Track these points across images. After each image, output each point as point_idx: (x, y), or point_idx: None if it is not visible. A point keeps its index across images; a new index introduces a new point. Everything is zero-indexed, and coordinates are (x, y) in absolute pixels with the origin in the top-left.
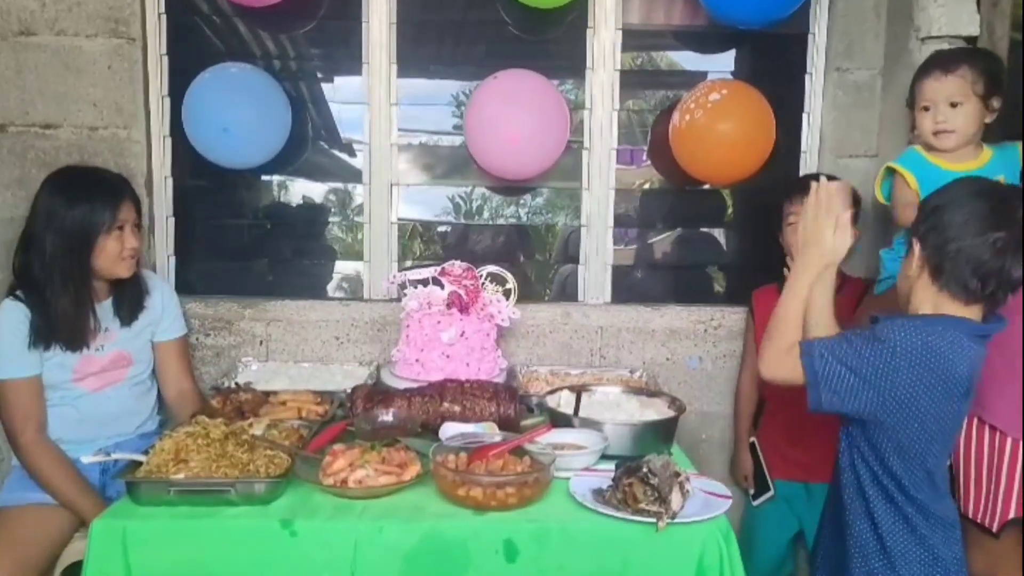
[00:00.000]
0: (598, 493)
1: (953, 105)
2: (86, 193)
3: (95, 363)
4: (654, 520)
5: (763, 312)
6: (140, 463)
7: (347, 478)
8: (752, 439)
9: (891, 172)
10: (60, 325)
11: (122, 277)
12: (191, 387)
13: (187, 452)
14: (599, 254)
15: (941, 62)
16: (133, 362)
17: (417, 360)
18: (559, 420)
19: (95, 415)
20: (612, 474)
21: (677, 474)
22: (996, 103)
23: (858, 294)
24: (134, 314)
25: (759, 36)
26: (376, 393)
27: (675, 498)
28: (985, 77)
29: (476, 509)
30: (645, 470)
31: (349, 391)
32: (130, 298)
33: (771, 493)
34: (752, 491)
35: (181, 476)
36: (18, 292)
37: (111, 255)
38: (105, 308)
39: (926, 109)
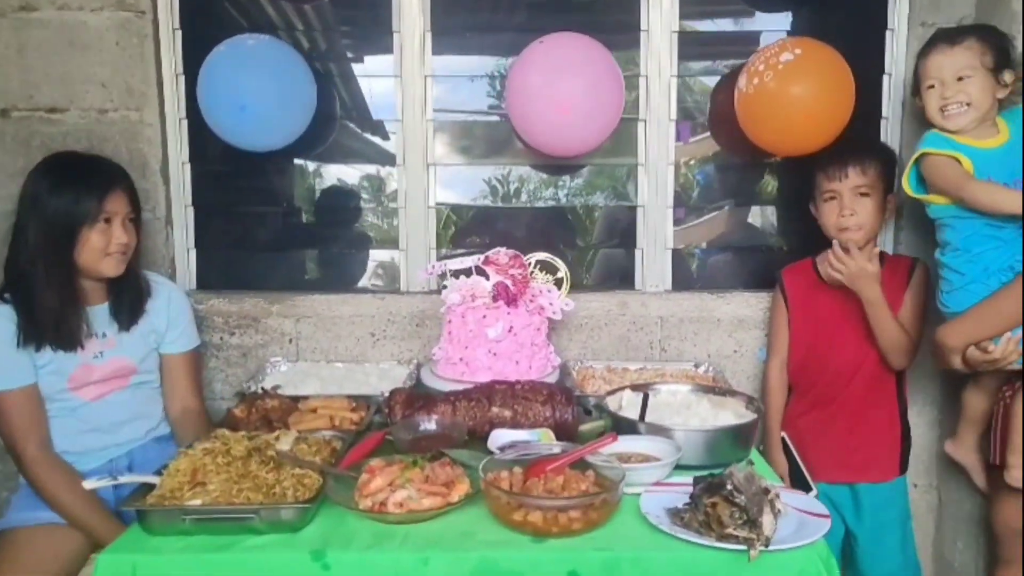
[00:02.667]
0: (675, 514)
1: (961, 79)
2: (72, 180)
3: (94, 371)
4: (744, 548)
5: (796, 291)
6: (152, 486)
7: (386, 500)
8: (782, 434)
9: (917, 163)
10: (46, 321)
11: (107, 276)
12: (197, 407)
13: (205, 473)
14: (657, 237)
15: (946, 36)
16: (137, 371)
17: (461, 359)
18: (622, 426)
19: (100, 424)
20: (688, 489)
21: (766, 490)
22: (1008, 77)
23: (906, 273)
24: (133, 317)
25: None
26: (416, 398)
27: (766, 520)
28: (994, 50)
29: (535, 536)
30: (729, 487)
31: (387, 395)
32: (128, 299)
33: (814, 492)
34: None
35: (198, 502)
36: (5, 294)
37: (95, 249)
38: (101, 312)
39: (931, 88)
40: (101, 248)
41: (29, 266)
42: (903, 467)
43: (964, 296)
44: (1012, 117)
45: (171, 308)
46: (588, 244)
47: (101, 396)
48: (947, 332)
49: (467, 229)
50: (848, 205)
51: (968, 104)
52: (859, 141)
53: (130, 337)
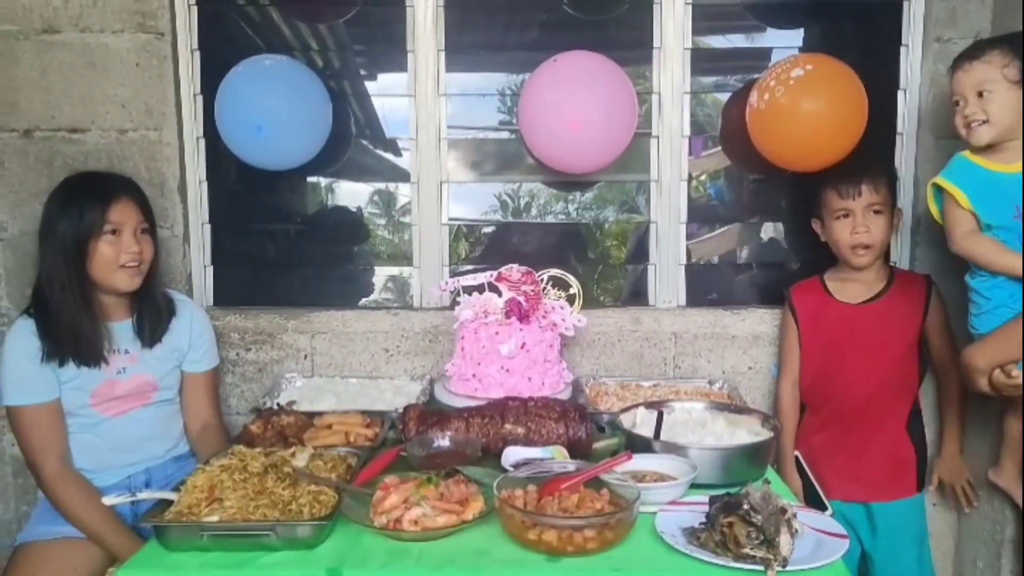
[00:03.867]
0: (691, 534)
1: (981, 95)
2: (76, 196)
3: (117, 387)
4: (762, 568)
5: (805, 309)
6: (170, 503)
7: (401, 517)
8: (795, 453)
9: (940, 188)
10: (67, 337)
11: (122, 289)
12: (216, 423)
13: (222, 489)
14: (671, 253)
15: (968, 51)
16: (158, 387)
17: (474, 375)
18: (637, 444)
19: (120, 441)
20: (703, 507)
21: (783, 510)
22: None
23: (921, 292)
24: (156, 334)
25: (846, 6)
26: (430, 414)
27: (784, 540)
28: (1021, 60)
29: (550, 555)
30: (746, 506)
31: (401, 411)
32: (150, 316)
33: (829, 512)
34: None
35: (216, 518)
36: (31, 310)
37: (106, 262)
38: (124, 329)
39: (957, 104)
40: (112, 260)
41: (48, 284)
42: (920, 484)
43: (992, 319)
44: None
45: (193, 327)
46: (608, 260)
47: (122, 413)
48: (973, 353)
49: (480, 245)
50: (862, 222)
51: (986, 121)
52: (869, 159)
53: (153, 354)
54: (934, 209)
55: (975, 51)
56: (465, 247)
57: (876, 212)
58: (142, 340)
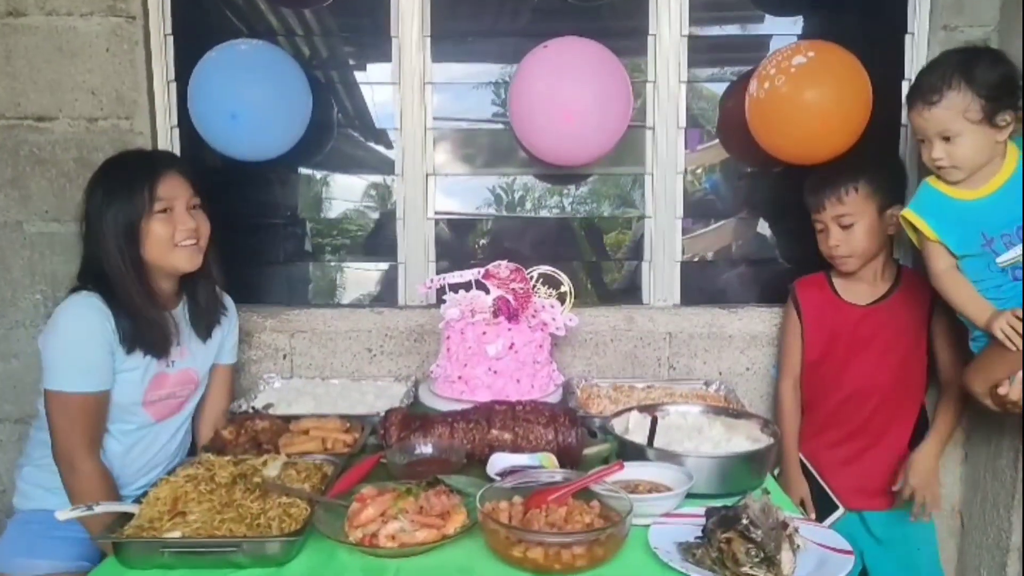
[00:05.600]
0: (686, 549)
1: (947, 138)
2: (120, 178)
3: (167, 382)
4: None
5: (810, 305)
6: (131, 516)
7: (378, 532)
8: (800, 456)
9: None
10: (142, 321)
11: (183, 269)
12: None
13: (186, 502)
14: (666, 249)
15: (923, 91)
16: (198, 384)
17: (460, 377)
18: (629, 451)
19: (141, 457)
20: (699, 520)
21: (784, 524)
22: (1007, 117)
23: (928, 294)
24: (210, 326)
25: None
26: (413, 419)
27: (785, 557)
28: (981, 97)
29: (536, 572)
30: (745, 520)
31: (382, 416)
32: (207, 302)
33: (841, 512)
34: (813, 515)
35: (178, 534)
36: (90, 287)
37: (162, 241)
38: (178, 317)
39: (922, 142)
40: (167, 239)
41: (107, 271)
42: None
43: (984, 336)
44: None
45: (230, 319)
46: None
47: (163, 418)
48: (969, 376)
49: (468, 240)
50: (833, 236)
51: (954, 168)
52: (840, 166)
53: (204, 348)
54: (913, 237)
55: (931, 95)
56: (455, 243)
57: (845, 224)
58: (196, 329)
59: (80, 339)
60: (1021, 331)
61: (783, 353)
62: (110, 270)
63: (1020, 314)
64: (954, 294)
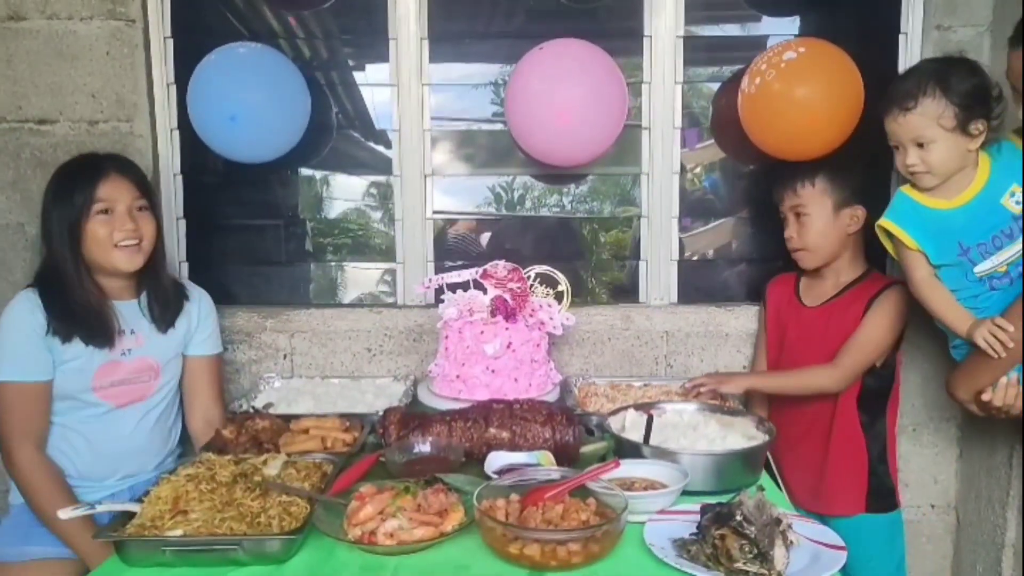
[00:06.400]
0: (681, 546)
1: (921, 145)
2: (65, 180)
3: (120, 369)
4: None
5: (774, 305)
6: (133, 514)
7: (376, 530)
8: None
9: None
10: (78, 311)
11: (123, 269)
12: (220, 416)
13: (188, 501)
14: (662, 248)
15: (898, 98)
16: (159, 374)
17: (458, 376)
18: (625, 449)
19: (109, 447)
20: (694, 516)
21: (778, 520)
22: (980, 126)
23: (868, 298)
24: (169, 316)
25: None
26: (411, 418)
27: (778, 553)
28: (955, 106)
29: (532, 570)
30: (739, 517)
31: (381, 415)
32: (158, 295)
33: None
34: None
35: (179, 532)
36: (33, 285)
37: (100, 241)
38: (131, 308)
39: (896, 148)
40: (105, 239)
41: (52, 269)
42: (874, 504)
43: (968, 347)
44: (995, 152)
45: (201, 309)
46: (599, 256)
47: (123, 404)
48: (952, 384)
49: (466, 240)
50: (790, 227)
51: (927, 173)
52: (805, 163)
53: (163, 338)
54: (888, 247)
55: (905, 100)
56: (453, 242)
57: (799, 214)
58: (155, 322)
59: (9, 331)
60: (1003, 339)
61: (755, 355)
62: (55, 267)
63: (1001, 322)
64: (934, 303)
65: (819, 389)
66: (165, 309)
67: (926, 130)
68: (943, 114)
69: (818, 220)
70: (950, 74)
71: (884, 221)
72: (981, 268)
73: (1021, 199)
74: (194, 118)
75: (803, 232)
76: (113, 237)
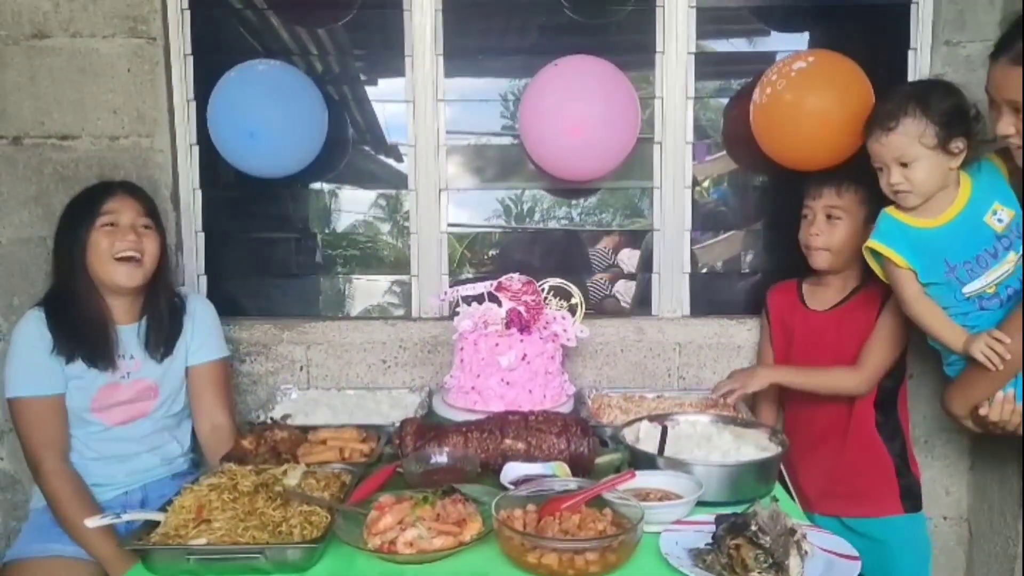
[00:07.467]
0: (697, 555)
1: (904, 164)
2: (76, 202)
3: (118, 392)
4: None
5: (777, 311)
6: (157, 523)
7: (396, 539)
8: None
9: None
10: (81, 332)
11: (122, 284)
12: (226, 422)
13: (210, 510)
14: (675, 261)
15: (880, 119)
16: (159, 394)
17: (473, 388)
18: (640, 460)
19: (119, 452)
20: (709, 527)
21: (792, 530)
22: (960, 144)
23: (880, 299)
24: (164, 348)
25: (853, 9)
26: (428, 429)
27: (793, 563)
28: (936, 125)
29: None
30: (754, 527)
31: (397, 426)
32: (159, 325)
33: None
34: None
35: (203, 541)
36: (41, 305)
37: (101, 252)
38: (130, 333)
39: (880, 169)
40: (106, 250)
41: (60, 286)
42: (907, 504)
43: (962, 364)
44: (975, 171)
45: (195, 321)
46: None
47: (123, 422)
48: (948, 400)
49: (481, 252)
50: (817, 224)
51: (910, 192)
52: (850, 168)
53: (156, 363)
54: (877, 269)
55: (887, 120)
56: (467, 255)
57: (833, 217)
58: (150, 350)
59: (21, 348)
60: (1001, 351)
61: (758, 358)
62: (61, 285)
63: (998, 334)
64: (927, 320)
65: (843, 391)
66: (159, 337)
67: (908, 148)
68: (924, 132)
69: (849, 226)
70: (929, 94)
71: (872, 242)
72: (970, 288)
73: (1004, 217)
74: (214, 134)
75: (832, 234)
76: (114, 247)
